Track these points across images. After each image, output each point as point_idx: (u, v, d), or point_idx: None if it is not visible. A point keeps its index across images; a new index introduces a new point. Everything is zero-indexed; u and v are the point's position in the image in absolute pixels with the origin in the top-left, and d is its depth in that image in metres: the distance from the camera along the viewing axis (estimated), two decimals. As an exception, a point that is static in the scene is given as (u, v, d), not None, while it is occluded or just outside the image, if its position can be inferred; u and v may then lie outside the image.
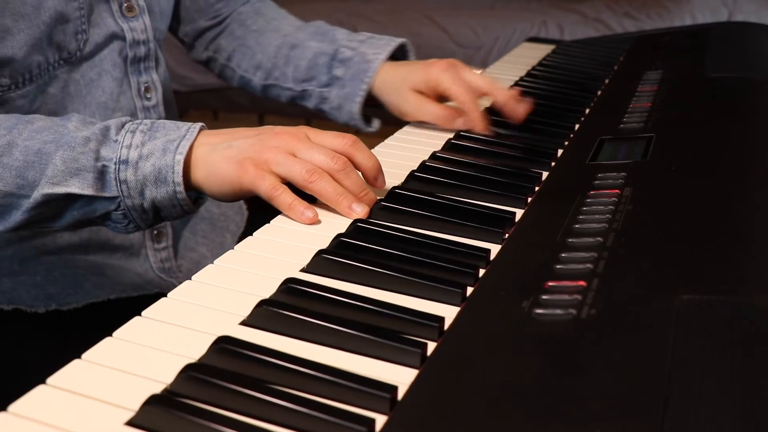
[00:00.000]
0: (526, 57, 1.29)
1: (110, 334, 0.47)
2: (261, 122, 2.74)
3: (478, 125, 0.86)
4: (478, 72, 0.90)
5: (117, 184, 0.65)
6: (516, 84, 1.09)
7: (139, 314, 0.49)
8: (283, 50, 0.99)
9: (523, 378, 0.41)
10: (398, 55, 0.96)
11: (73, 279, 0.84)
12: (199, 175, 0.66)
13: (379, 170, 0.69)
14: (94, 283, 0.84)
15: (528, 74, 1.15)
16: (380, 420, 0.40)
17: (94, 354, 0.45)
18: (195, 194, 0.69)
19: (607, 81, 1.09)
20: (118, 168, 0.64)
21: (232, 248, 0.59)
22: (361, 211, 0.65)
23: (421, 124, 0.92)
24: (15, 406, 0.40)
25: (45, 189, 0.64)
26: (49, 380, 0.42)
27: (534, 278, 0.50)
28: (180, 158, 0.64)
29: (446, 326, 0.48)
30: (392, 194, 0.68)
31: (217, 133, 0.68)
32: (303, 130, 0.68)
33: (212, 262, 0.57)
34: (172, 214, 0.68)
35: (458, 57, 2.42)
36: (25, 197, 0.64)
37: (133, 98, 0.84)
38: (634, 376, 0.39)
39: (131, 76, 0.83)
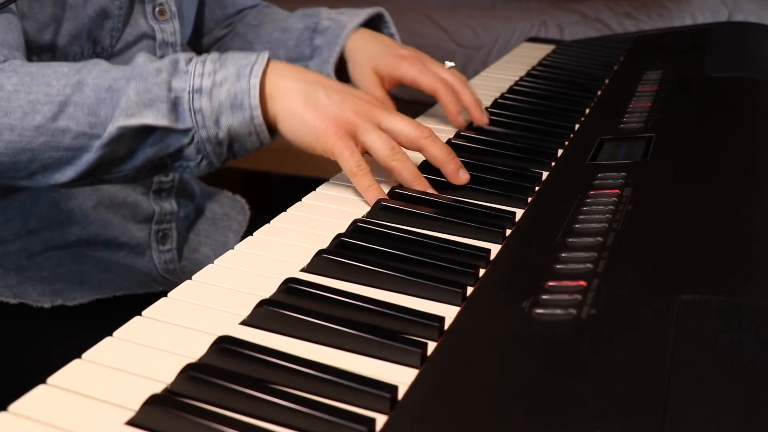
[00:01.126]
0: (526, 57, 1.29)
1: (114, 331, 0.47)
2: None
3: (453, 108, 0.85)
4: (449, 65, 0.91)
5: (191, 114, 0.64)
6: (516, 84, 1.09)
7: (141, 313, 0.49)
8: (275, 35, 1.00)
9: (523, 378, 0.41)
10: (378, 25, 0.96)
11: (79, 275, 0.84)
12: (278, 108, 0.65)
13: (455, 163, 0.69)
14: (100, 280, 0.85)
15: (528, 74, 1.15)
16: (380, 420, 0.40)
17: (95, 354, 0.45)
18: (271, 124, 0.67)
19: (607, 81, 1.09)
20: (192, 97, 0.63)
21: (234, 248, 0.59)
22: (431, 191, 0.67)
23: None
24: (15, 406, 0.40)
25: (120, 121, 0.62)
26: (50, 380, 0.42)
27: (534, 278, 0.50)
28: (255, 81, 0.64)
29: (446, 326, 0.48)
30: (392, 194, 0.68)
31: (291, 67, 0.67)
32: (381, 101, 0.69)
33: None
34: (246, 144, 0.67)
35: (458, 57, 2.42)
36: (96, 137, 0.63)
37: None
38: (634, 376, 0.39)
39: None
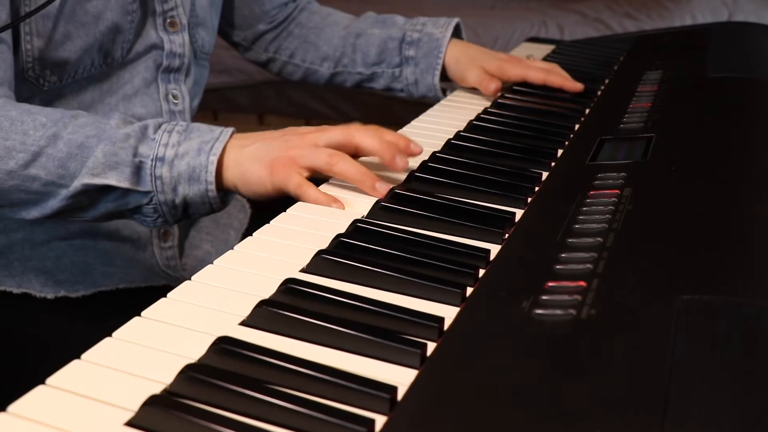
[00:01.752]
0: (526, 57, 1.29)
1: (118, 324, 0.47)
2: (261, 122, 2.73)
3: (568, 83, 1.02)
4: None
5: (152, 180, 0.68)
6: (516, 84, 1.08)
7: (141, 313, 0.49)
8: (349, 39, 1.09)
9: (523, 378, 0.41)
10: (454, 33, 1.08)
11: (82, 267, 0.85)
12: (231, 176, 0.70)
13: (392, 148, 0.71)
14: (103, 273, 0.85)
15: (528, 74, 1.14)
16: (380, 420, 0.40)
17: (94, 354, 0.45)
18: (223, 193, 0.72)
19: (607, 81, 1.09)
20: (155, 164, 0.68)
21: (235, 245, 0.60)
22: (382, 189, 0.69)
23: (420, 124, 0.93)
24: (14, 407, 0.40)
25: (85, 179, 0.67)
26: (49, 380, 0.42)
27: (534, 278, 0.50)
28: (213, 159, 0.69)
29: (446, 326, 0.48)
30: (392, 194, 0.68)
31: (247, 136, 0.72)
32: (315, 128, 0.73)
33: (216, 260, 0.57)
34: (200, 211, 0.72)
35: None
36: (64, 187, 0.68)
37: (160, 100, 0.88)
38: (634, 376, 0.39)
39: (160, 82, 0.88)
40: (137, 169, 0.68)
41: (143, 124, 0.70)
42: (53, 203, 0.69)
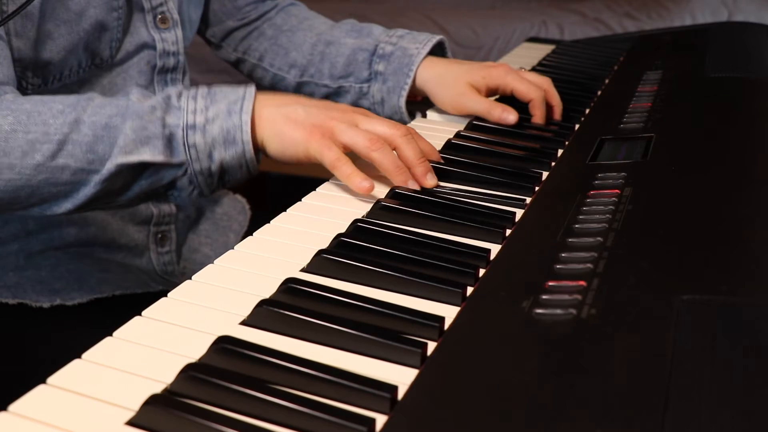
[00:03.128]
0: (526, 57, 1.29)
1: (114, 330, 0.47)
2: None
3: (541, 118, 0.89)
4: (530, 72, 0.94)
5: (186, 149, 0.66)
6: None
7: (141, 313, 0.49)
8: (319, 47, 1.00)
9: (524, 378, 0.41)
10: (436, 51, 0.96)
11: (78, 275, 0.84)
12: (264, 134, 0.68)
13: (424, 166, 0.70)
14: (99, 280, 0.85)
15: (528, 74, 1.15)
16: (380, 420, 0.40)
17: (95, 354, 0.45)
18: (259, 154, 0.70)
19: (607, 81, 1.09)
20: (186, 133, 0.66)
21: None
22: (413, 186, 0.68)
23: (421, 124, 0.92)
24: (15, 406, 0.40)
25: (118, 159, 0.65)
26: (50, 380, 0.42)
27: (534, 278, 0.50)
28: (246, 118, 0.67)
29: (446, 326, 0.48)
30: (392, 194, 0.68)
31: (277, 96, 0.71)
32: (360, 109, 0.72)
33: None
34: (236, 175, 0.70)
35: (458, 57, 2.41)
36: (95, 172, 0.65)
37: None
38: (634, 376, 0.39)
39: (157, 85, 0.85)
40: (169, 141, 0.66)
41: (165, 95, 0.68)
42: (86, 191, 0.66)
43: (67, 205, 0.67)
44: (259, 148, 0.69)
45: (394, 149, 0.70)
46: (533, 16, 2.53)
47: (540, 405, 0.38)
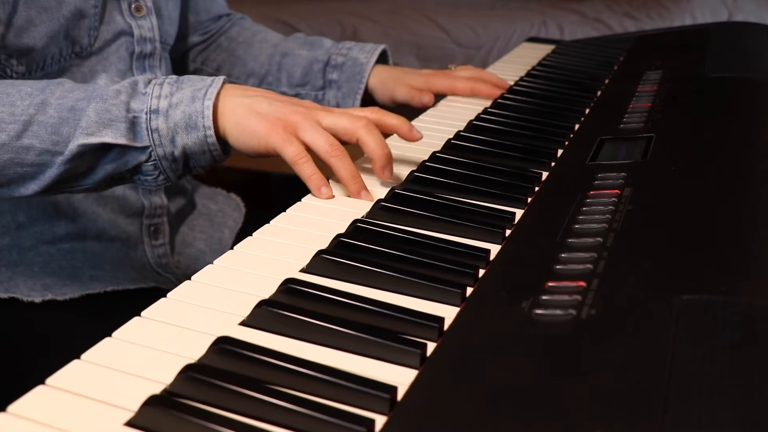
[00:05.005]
0: (526, 57, 1.29)
1: (106, 325, 0.47)
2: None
3: (496, 90, 1.02)
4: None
5: (149, 133, 0.67)
6: (516, 84, 1.09)
7: (138, 312, 0.49)
8: (276, 58, 1.06)
9: (523, 378, 0.40)
10: (380, 59, 1.06)
11: (70, 270, 0.84)
12: (227, 123, 0.69)
13: (388, 161, 0.70)
14: (91, 276, 0.85)
15: (528, 74, 1.15)
16: (380, 420, 0.40)
17: (94, 354, 0.45)
18: (223, 142, 0.70)
19: (607, 81, 1.09)
20: (149, 117, 0.67)
21: (230, 244, 0.60)
22: (366, 198, 0.69)
23: (420, 124, 0.93)
24: (14, 407, 0.40)
25: (80, 139, 0.65)
26: (49, 380, 0.42)
27: (534, 278, 0.50)
28: (209, 104, 0.67)
29: (446, 326, 0.48)
30: (392, 194, 0.68)
31: (244, 87, 0.72)
32: (324, 106, 0.72)
33: (210, 258, 0.57)
34: (201, 161, 0.70)
35: (458, 57, 2.41)
36: (59, 153, 0.66)
37: None
38: (634, 376, 0.39)
39: (136, 71, 0.87)
40: (132, 125, 0.67)
41: (133, 80, 0.69)
42: (51, 172, 0.67)
43: (33, 187, 0.68)
44: (222, 138, 0.69)
45: (357, 141, 0.70)
46: (533, 16, 2.53)
47: (540, 405, 0.38)
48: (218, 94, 0.68)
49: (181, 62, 1.10)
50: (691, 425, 0.35)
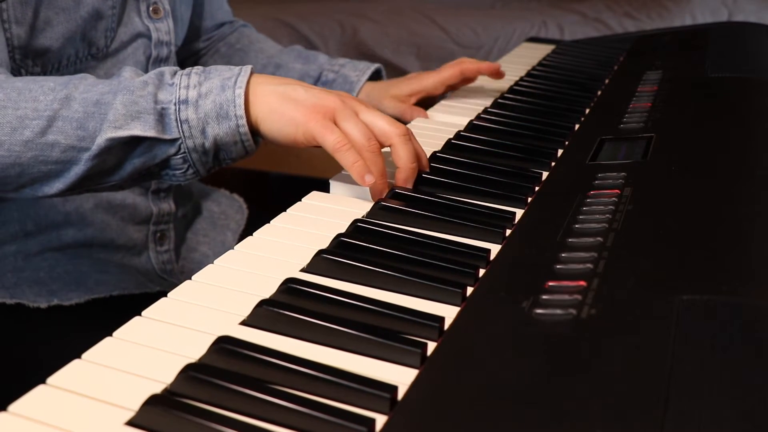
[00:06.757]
0: (526, 57, 1.29)
1: (111, 330, 0.47)
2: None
3: (483, 65, 1.02)
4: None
5: (178, 125, 0.65)
6: (516, 84, 1.09)
7: (140, 313, 0.49)
8: (269, 69, 1.05)
9: (523, 378, 0.41)
10: (373, 77, 1.06)
11: (76, 276, 0.84)
12: (259, 111, 0.67)
13: (414, 174, 0.69)
14: (97, 280, 0.85)
15: (528, 74, 1.15)
16: (380, 420, 0.40)
17: (94, 354, 0.45)
18: (255, 131, 0.68)
19: (607, 81, 1.09)
20: (178, 108, 0.65)
21: (233, 247, 0.59)
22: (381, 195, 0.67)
23: (421, 123, 0.93)
24: (15, 406, 0.40)
25: (108, 133, 0.63)
26: (49, 380, 0.42)
27: (534, 278, 0.50)
28: (240, 92, 0.65)
29: (446, 326, 0.48)
30: (392, 194, 0.68)
31: (269, 76, 0.70)
32: (361, 100, 0.71)
33: (213, 262, 0.57)
34: (232, 153, 0.68)
35: (458, 57, 2.41)
36: (85, 149, 0.64)
37: None
38: (634, 376, 0.39)
39: None
40: (161, 117, 0.65)
41: (159, 71, 0.67)
42: (77, 169, 0.65)
43: (58, 185, 0.66)
44: (253, 127, 0.67)
45: (390, 147, 0.69)
46: (533, 16, 2.53)
47: (540, 405, 0.38)
48: (248, 82, 0.66)
49: (181, 66, 1.10)
50: (691, 425, 0.35)
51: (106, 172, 0.67)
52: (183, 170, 0.68)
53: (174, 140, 0.65)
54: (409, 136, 0.69)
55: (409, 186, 0.69)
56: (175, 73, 0.67)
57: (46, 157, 0.64)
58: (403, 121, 0.98)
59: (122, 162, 0.66)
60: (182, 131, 0.65)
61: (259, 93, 0.66)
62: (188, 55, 1.08)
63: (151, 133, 0.64)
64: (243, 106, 0.65)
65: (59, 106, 0.63)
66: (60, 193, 0.67)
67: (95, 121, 0.64)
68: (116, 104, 0.64)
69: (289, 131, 0.66)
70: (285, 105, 0.66)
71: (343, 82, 1.02)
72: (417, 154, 0.70)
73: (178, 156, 0.66)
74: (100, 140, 0.64)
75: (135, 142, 0.65)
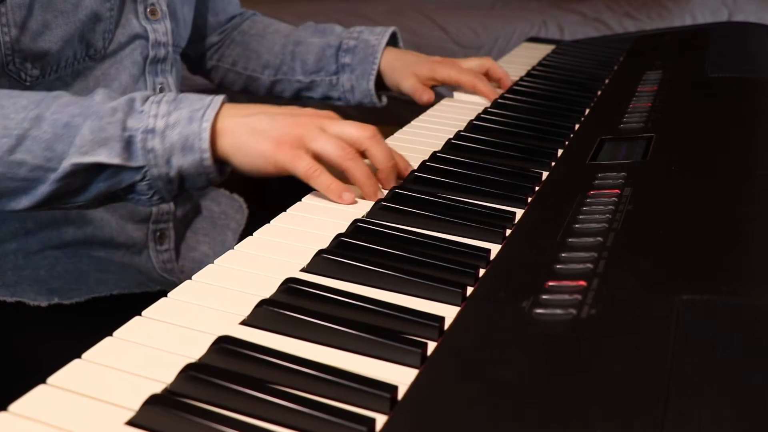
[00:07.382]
0: (526, 57, 1.29)
1: (112, 329, 0.47)
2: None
3: (489, 94, 1.03)
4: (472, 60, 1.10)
5: (144, 153, 0.65)
6: (516, 84, 1.09)
7: (140, 313, 0.49)
8: (289, 47, 1.09)
9: (523, 378, 0.41)
10: (390, 41, 1.09)
11: (76, 274, 0.84)
12: (227, 145, 0.67)
13: (394, 171, 0.71)
14: (97, 279, 0.85)
15: (528, 74, 1.15)
16: (380, 420, 0.40)
17: (95, 354, 0.45)
18: (220, 163, 0.69)
19: (607, 81, 1.09)
20: (145, 137, 0.65)
21: (234, 246, 0.59)
22: (379, 196, 0.68)
23: (421, 123, 0.93)
24: (15, 406, 0.40)
25: (74, 158, 0.64)
26: (50, 380, 0.42)
27: (534, 278, 0.50)
28: (206, 126, 0.65)
29: (446, 326, 0.48)
30: (392, 194, 0.68)
31: (243, 106, 0.70)
32: (326, 112, 0.71)
33: (213, 261, 0.57)
34: (197, 183, 0.69)
35: (458, 57, 2.41)
36: (52, 170, 0.65)
37: None
38: (634, 376, 0.39)
39: (148, 75, 0.87)
40: (128, 144, 0.65)
41: (129, 97, 0.67)
42: (42, 189, 0.65)
43: (24, 202, 0.67)
44: (220, 159, 0.68)
45: (364, 151, 0.69)
46: (533, 16, 2.53)
47: (540, 405, 0.38)
48: (216, 114, 0.66)
49: (199, 61, 1.12)
50: (691, 425, 0.35)
51: (72, 193, 0.68)
52: (148, 196, 0.68)
53: (139, 168, 0.66)
54: (380, 136, 0.70)
55: (393, 184, 0.70)
56: (146, 99, 0.67)
57: (14, 174, 0.65)
58: (415, 100, 1.04)
59: (88, 185, 0.67)
60: (148, 159, 0.65)
61: (226, 127, 0.67)
62: (205, 50, 1.11)
63: (116, 160, 0.65)
64: (208, 140, 0.65)
65: (29, 125, 0.64)
66: (26, 209, 0.68)
67: (63, 143, 0.64)
68: (84, 129, 0.64)
69: (259, 164, 0.67)
70: (251, 139, 0.66)
71: (364, 47, 1.05)
72: (391, 152, 0.71)
73: (144, 183, 0.67)
74: (66, 164, 0.64)
75: (100, 168, 0.65)
